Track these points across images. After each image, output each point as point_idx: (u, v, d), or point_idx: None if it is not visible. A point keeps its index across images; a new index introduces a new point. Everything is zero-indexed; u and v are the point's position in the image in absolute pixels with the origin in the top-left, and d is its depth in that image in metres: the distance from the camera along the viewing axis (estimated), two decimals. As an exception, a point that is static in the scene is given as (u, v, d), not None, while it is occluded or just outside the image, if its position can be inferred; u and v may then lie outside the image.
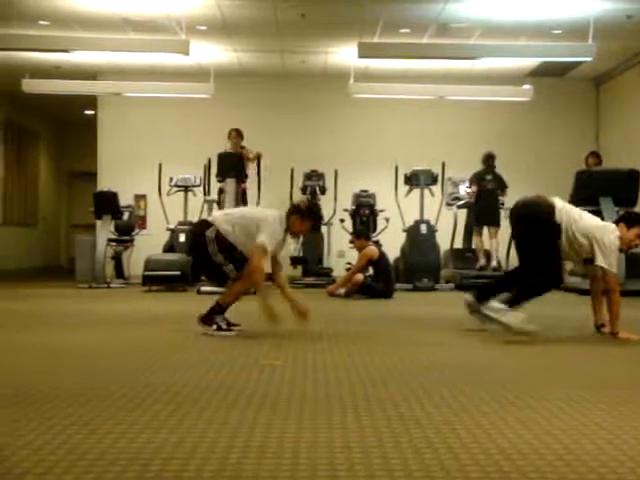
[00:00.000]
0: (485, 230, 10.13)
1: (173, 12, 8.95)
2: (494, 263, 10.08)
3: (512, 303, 4.69)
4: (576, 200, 9.97)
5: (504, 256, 10.40)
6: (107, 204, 10.27)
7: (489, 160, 10.14)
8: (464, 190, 10.40)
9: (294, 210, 5.03)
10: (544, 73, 11.76)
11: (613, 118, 11.95)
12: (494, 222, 10.04)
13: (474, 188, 10.07)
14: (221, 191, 9.55)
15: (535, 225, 4.85)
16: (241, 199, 9.31)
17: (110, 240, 10.40)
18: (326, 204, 11.02)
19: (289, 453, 2.14)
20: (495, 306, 4.67)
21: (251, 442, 2.25)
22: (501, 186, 10.15)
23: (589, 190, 8.91)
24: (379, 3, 8.66)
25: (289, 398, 2.88)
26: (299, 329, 4.98)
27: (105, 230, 10.27)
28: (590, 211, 9.49)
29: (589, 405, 2.78)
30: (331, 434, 2.35)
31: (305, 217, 5.03)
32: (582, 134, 12.40)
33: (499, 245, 10.10)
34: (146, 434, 2.32)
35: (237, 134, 9.77)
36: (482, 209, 10.07)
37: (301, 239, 10.85)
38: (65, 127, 16.29)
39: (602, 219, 9.63)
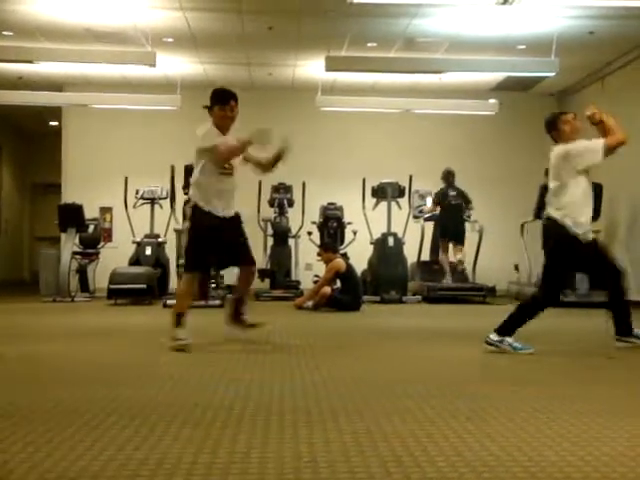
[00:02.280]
0: (451, 244, 10.25)
1: (139, 24, 8.90)
2: (460, 270, 10.18)
3: (501, 331, 4.71)
4: (540, 213, 10.17)
5: (470, 269, 10.52)
6: (72, 217, 10.13)
7: (449, 177, 10.30)
8: (428, 204, 10.58)
9: (207, 108, 5.04)
10: (509, 87, 11.93)
11: (576, 132, 12.16)
12: (458, 238, 10.16)
13: (434, 206, 10.31)
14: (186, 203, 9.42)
15: (546, 244, 4.85)
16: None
17: (75, 253, 10.26)
18: (294, 217, 11.04)
19: (255, 468, 2.12)
20: (492, 338, 4.71)
21: (217, 458, 2.22)
22: (465, 201, 10.29)
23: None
24: (346, 17, 8.71)
25: (255, 413, 2.86)
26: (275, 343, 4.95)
27: (70, 243, 10.13)
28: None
29: (553, 417, 2.80)
30: (297, 448, 2.33)
31: (213, 104, 5.02)
32: (546, 148, 12.58)
33: (465, 257, 10.19)
34: (109, 451, 2.28)
35: None
36: (446, 225, 10.20)
37: (269, 252, 10.84)
38: (29, 138, 16.06)
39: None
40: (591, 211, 4.84)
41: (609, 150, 4.72)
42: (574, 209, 4.74)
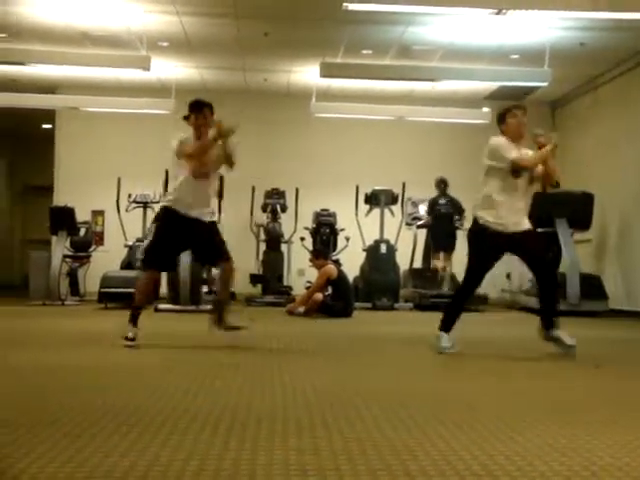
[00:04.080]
0: (442, 254, 10.26)
1: (134, 27, 8.89)
2: (446, 288, 10.17)
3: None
4: (532, 221, 10.19)
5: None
6: (63, 220, 10.11)
7: (441, 185, 10.31)
8: (421, 212, 10.57)
9: (185, 119, 5.26)
10: (502, 96, 11.95)
11: (567, 141, 12.19)
12: (448, 247, 10.16)
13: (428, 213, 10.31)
14: None
15: None
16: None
17: (66, 256, 10.22)
18: (287, 222, 11.03)
19: (245, 476, 2.11)
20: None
21: (206, 465, 2.20)
22: (457, 209, 10.28)
23: (544, 211, 9.07)
24: (342, 24, 8.73)
25: (245, 420, 2.84)
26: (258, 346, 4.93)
27: (61, 246, 10.10)
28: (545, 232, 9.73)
29: (542, 427, 2.80)
30: (287, 457, 2.31)
31: (189, 113, 5.20)
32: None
33: (451, 268, 10.17)
34: (96, 458, 2.26)
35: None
36: (437, 234, 10.21)
37: (261, 257, 10.84)
38: (21, 141, 15.99)
39: (558, 240, 9.88)
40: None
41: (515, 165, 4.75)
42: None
